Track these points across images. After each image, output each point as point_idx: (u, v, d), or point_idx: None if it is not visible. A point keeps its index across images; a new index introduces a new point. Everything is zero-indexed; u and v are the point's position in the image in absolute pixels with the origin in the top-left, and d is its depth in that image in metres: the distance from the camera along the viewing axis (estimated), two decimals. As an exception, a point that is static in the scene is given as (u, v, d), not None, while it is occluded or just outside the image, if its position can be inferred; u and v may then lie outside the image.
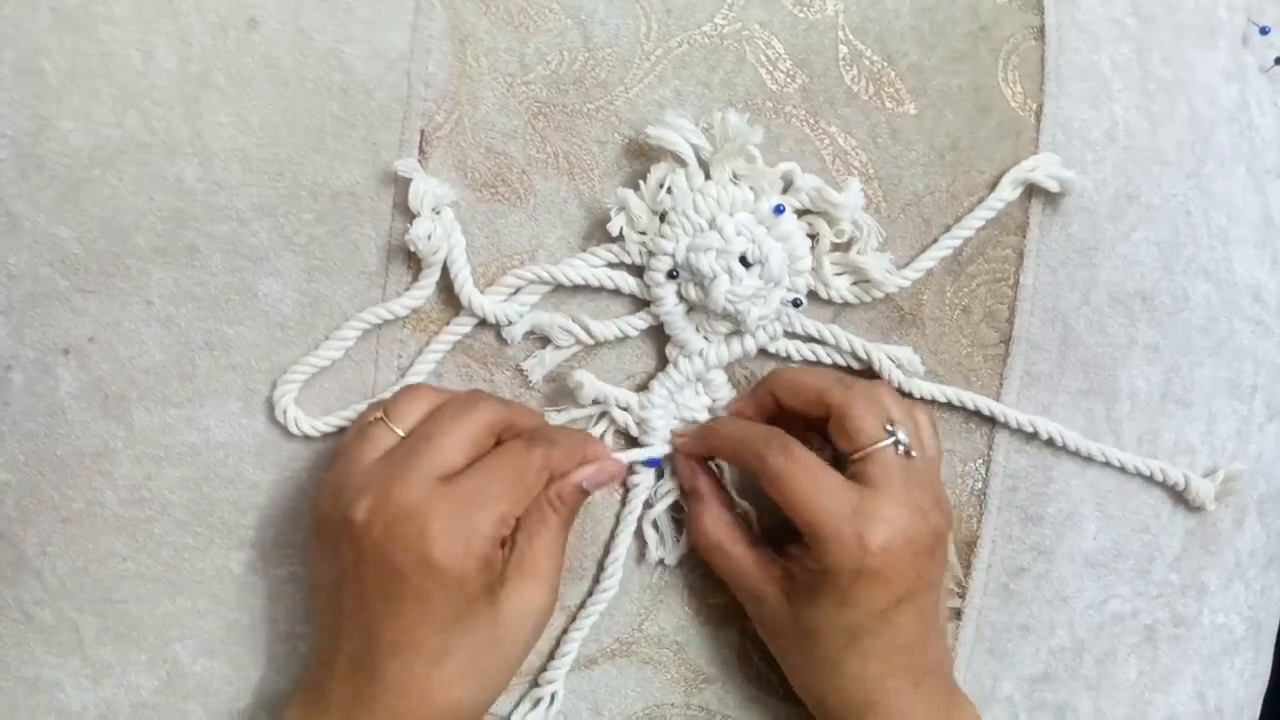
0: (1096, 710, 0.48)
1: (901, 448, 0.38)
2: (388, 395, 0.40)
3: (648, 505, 0.43)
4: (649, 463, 0.42)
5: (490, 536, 0.35)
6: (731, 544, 0.40)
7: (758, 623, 0.41)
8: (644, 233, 0.40)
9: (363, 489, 0.35)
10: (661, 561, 0.43)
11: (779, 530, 0.41)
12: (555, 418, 0.41)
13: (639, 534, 0.43)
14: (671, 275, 0.40)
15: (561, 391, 0.42)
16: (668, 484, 0.43)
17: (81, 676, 0.41)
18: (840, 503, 0.37)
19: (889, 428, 0.38)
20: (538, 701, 0.43)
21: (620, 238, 0.40)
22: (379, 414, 0.38)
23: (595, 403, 0.41)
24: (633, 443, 0.42)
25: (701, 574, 0.44)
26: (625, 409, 0.42)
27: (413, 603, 0.34)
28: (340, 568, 0.35)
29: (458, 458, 0.36)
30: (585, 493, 0.39)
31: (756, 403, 0.42)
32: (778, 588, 0.39)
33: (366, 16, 0.39)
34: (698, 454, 0.42)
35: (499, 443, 0.38)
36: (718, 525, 0.41)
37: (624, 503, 0.43)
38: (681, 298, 0.41)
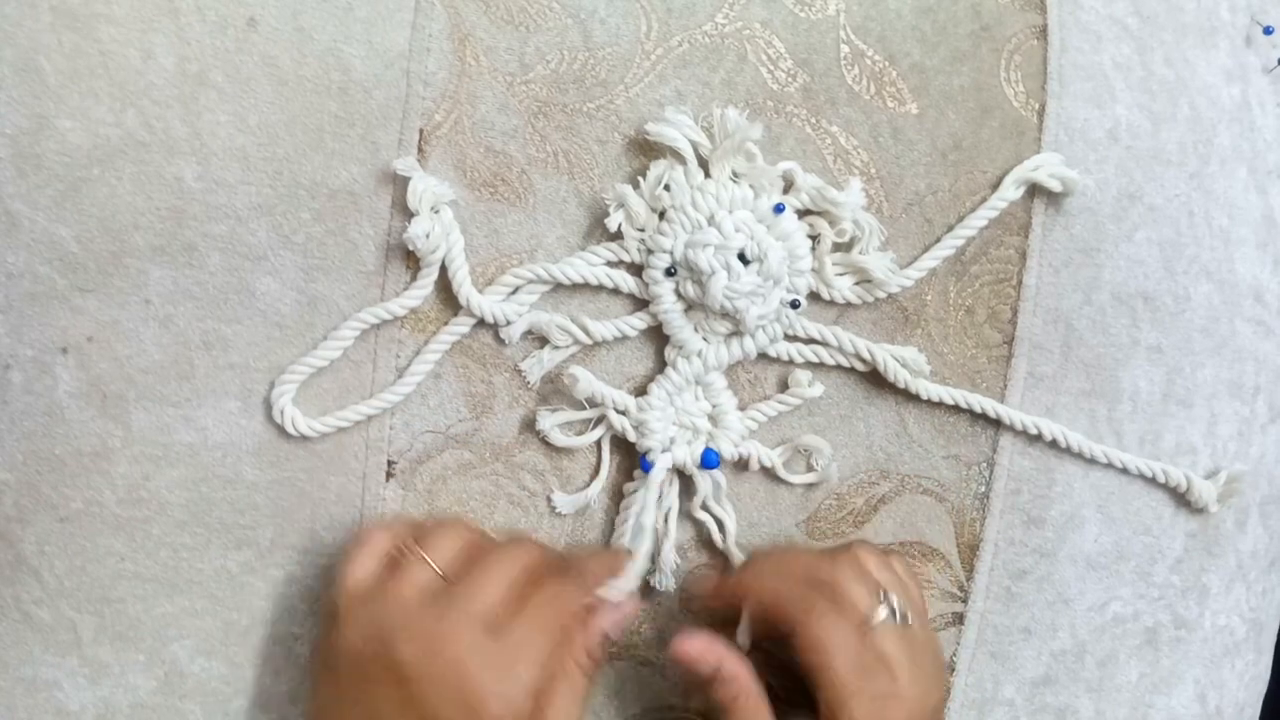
0: (1097, 712, 0.47)
1: (897, 615, 0.37)
2: (397, 526, 0.39)
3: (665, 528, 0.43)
4: (644, 465, 0.41)
5: (531, 689, 0.35)
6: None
7: None
8: (643, 230, 0.40)
9: (405, 629, 0.34)
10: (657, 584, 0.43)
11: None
12: (550, 418, 0.41)
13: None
14: (670, 272, 0.40)
15: (559, 393, 0.42)
16: (669, 496, 0.43)
17: (79, 676, 0.41)
18: (862, 687, 0.36)
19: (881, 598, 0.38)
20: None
21: (619, 235, 0.40)
22: (412, 546, 0.37)
23: (592, 403, 0.41)
24: (629, 449, 0.42)
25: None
26: (623, 412, 0.41)
27: None
28: (373, 708, 0.35)
29: (500, 605, 0.36)
30: (611, 640, 0.38)
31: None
32: None
33: (366, 16, 0.39)
34: (717, 597, 0.41)
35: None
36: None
37: (619, 510, 0.43)
38: (680, 296, 0.41)
